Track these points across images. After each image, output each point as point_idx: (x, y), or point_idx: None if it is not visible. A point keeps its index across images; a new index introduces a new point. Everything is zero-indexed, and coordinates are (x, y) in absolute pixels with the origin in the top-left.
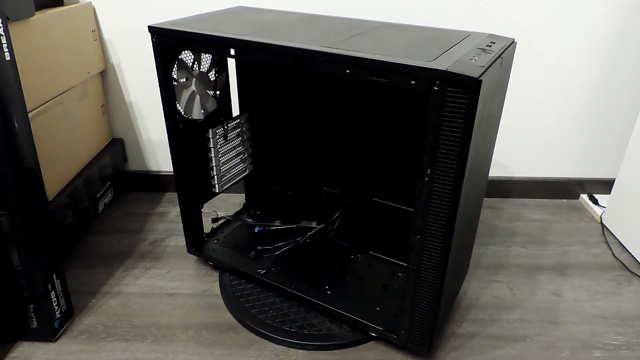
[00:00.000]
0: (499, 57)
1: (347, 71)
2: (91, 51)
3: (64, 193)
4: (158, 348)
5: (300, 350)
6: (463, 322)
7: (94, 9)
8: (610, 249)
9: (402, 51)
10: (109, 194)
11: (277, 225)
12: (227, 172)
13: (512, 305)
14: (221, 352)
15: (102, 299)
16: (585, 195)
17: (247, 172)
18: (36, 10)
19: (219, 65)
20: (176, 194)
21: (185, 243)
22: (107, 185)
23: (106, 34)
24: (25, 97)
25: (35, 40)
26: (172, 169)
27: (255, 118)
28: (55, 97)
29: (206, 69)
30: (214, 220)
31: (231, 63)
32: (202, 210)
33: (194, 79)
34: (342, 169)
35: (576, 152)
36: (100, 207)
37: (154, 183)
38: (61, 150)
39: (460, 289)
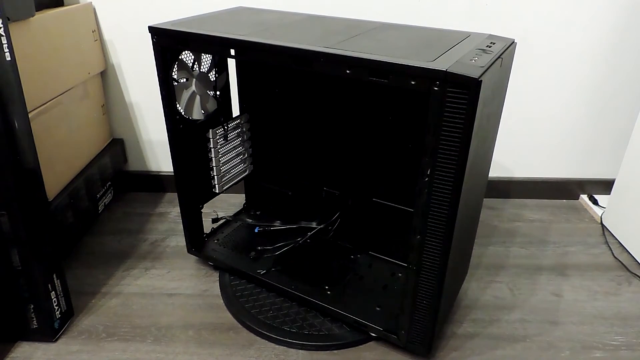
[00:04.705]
0: (498, 57)
1: (348, 71)
2: (91, 51)
3: (64, 193)
4: (158, 348)
5: (300, 351)
6: (463, 323)
7: (94, 9)
8: (610, 249)
9: (402, 51)
10: (109, 194)
11: (277, 225)
12: (227, 173)
13: (512, 306)
14: (221, 352)
15: (102, 299)
16: (585, 195)
17: (247, 172)
18: (36, 11)
19: (219, 66)
20: (176, 194)
21: (185, 243)
22: (107, 185)
23: (106, 34)
24: (25, 98)
25: (35, 40)
26: (172, 169)
27: (255, 118)
28: (56, 97)
29: (206, 69)
30: (214, 220)
31: (231, 63)
32: (202, 210)
33: (194, 79)
34: (342, 169)
35: (576, 152)
36: (101, 208)
37: (154, 183)
38: (61, 151)
39: (460, 289)
